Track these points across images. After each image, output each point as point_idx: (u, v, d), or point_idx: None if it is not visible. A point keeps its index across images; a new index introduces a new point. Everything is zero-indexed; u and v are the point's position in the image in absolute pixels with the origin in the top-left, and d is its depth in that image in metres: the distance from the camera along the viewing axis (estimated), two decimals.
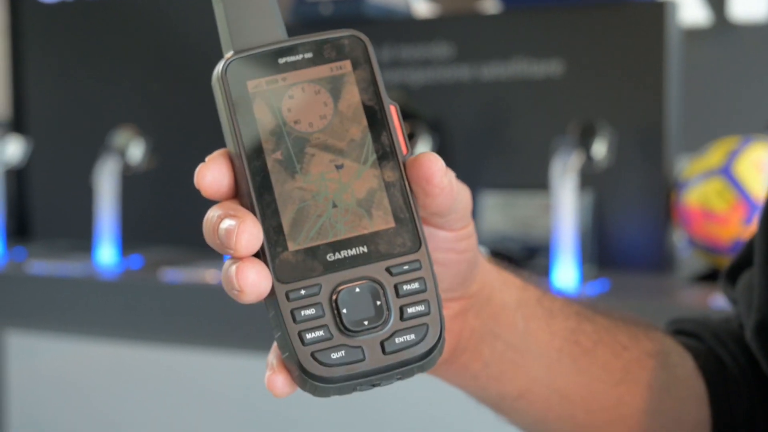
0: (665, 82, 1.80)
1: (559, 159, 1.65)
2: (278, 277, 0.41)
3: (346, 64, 0.43)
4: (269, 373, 0.42)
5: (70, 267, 1.94)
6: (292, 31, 0.42)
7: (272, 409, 1.74)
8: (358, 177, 0.42)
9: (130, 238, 2.10)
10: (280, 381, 0.41)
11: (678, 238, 1.83)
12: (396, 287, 0.41)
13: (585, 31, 1.88)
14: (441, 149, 1.96)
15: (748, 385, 0.63)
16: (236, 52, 0.42)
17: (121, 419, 1.89)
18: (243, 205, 0.42)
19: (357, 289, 0.41)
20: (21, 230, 2.45)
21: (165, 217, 2.21)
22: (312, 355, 0.40)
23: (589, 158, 1.68)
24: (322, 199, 0.41)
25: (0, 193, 2.17)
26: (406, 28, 2.08)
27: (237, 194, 0.42)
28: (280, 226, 0.41)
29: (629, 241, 1.83)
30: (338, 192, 0.42)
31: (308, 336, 0.40)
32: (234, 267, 0.40)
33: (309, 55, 0.43)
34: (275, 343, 0.42)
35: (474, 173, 1.96)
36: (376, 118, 0.42)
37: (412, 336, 0.41)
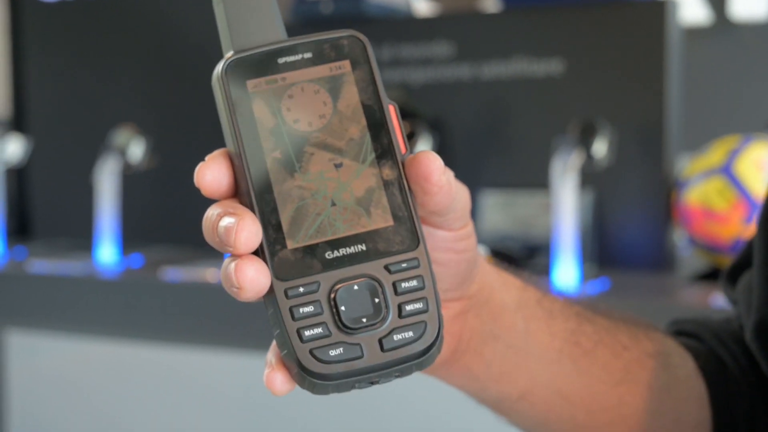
0: (666, 81, 1.80)
1: (560, 158, 1.65)
2: (277, 274, 0.41)
3: (346, 64, 0.43)
4: (268, 370, 0.42)
5: (70, 266, 1.94)
6: (292, 30, 0.42)
7: (272, 409, 1.74)
8: (357, 176, 0.42)
9: (130, 237, 2.10)
10: (278, 378, 0.42)
11: (678, 237, 1.83)
12: (394, 285, 0.41)
13: (585, 30, 1.88)
14: (441, 148, 1.96)
15: (749, 386, 0.63)
16: (236, 52, 0.43)
17: (122, 418, 1.89)
18: (242, 203, 0.42)
19: (355, 287, 0.41)
20: (21, 229, 2.45)
21: (165, 216, 2.22)
22: (310, 352, 0.40)
23: (589, 157, 1.68)
24: (321, 197, 0.42)
25: (0, 192, 2.17)
26: (406, 27, 2.08)
27: (237, 193, 0.43)
28: (279, 224, 0.41)
29: (630, 240, 1.83)
30: (337, 190, 0.42)
31: (307, 333, 0.40)
32: (233, 264, 0.40)
33: (308, 55, 0.43)
34: (274, 341, 0.42)
35: (474, 172, 1.96)
36: (375, 118, 0.43)
37: (411, 333, 0.41)
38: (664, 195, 1.80)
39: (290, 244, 0.41)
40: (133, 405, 1.87)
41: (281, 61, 0.43)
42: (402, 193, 0.42)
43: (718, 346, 0.65)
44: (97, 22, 2.39)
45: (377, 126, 0.43)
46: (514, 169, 1.93)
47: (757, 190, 1.63)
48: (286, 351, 0.41)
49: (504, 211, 1.91)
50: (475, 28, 2.00)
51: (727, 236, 1.66)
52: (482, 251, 1.74)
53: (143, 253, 2.07)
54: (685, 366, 0.63)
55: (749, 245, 0.67)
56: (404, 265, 0.42)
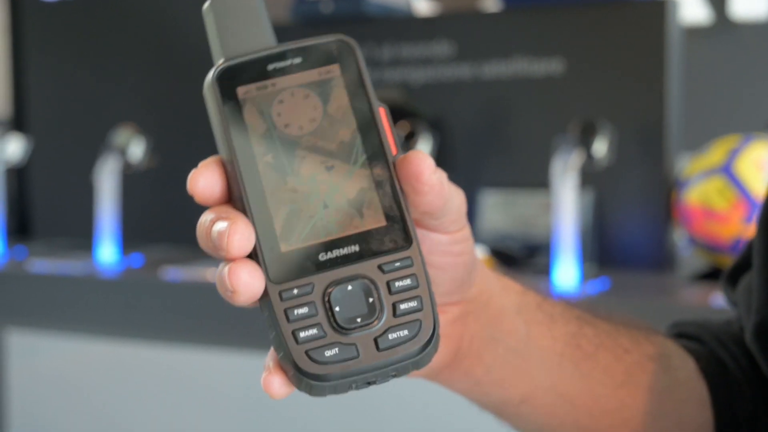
0: (666, 80, 1.80)
1: (560, 157, 1.65)
2: (271, 277, 0.41)
3: (335, 68, 0.43)
4: (265, 374, 0.42)
5: (70, 266, 1.94)
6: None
7: (272, 409, 1.74)
8: (349, 178, 0.42)
9: (130, 237, 2.10)
10: (276, 382, 0.42)
11: (678, 237, 1.83)
12: (388, 284, 0.41)
13: (586, 29, 1.88)
14: (441, 148, 1.96)
15: (750, 387, 0.63)
16: (226, 60, 0.43)
17: (122, 418, 1.89)
18: (236, 209, 0.42)
19: (349, 287, 0.41)
20: (22, 229, 2.45)
21: (165, 216, 2.22)
22: (306, 353, 0.40)
23: (589, 157, 1.68)
24: (314, 200, 0.42)
25: (1, 192, 2.17)
26: (406, 26, 2.08)
27: (230, 199, 0.43)
28: (272, 228, 0.42)
29: (630, 240, 1.83)
30: (329, 193, 0.42)
31: (302, 335, 0.40)
32: (227, 268, 0.41)
33: (298, 60, 0.43)
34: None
35: (474, 172, 1.96)
36: (365, 120, 0.43)
37: (406, 332, 0.41)
38: (664, 195, 1.80)
39: (284, 247, 0.41)
40: (133, 405, 1.87)
41: (271, 67, 0.43)
42: (394, 193, 0.43)
43: (718, 347, 0.65)
44: (97, 22, 2.39)
45: (367, 128, 0.43)
46: (514, 168, 1.93)
47: (757, 190, 1.63)
48: (282, 353, 0.41)
49: (504, 210, 1.91)
50: (475, 28, 2.00)
51: (727, 236, 1.66)
52: (482, 251, 1.74)
53: (143, 252, 2.08)
54: (686, 368, 0.63)
55: (749, 247, 0.67)
56: (397, 264, 0.42)
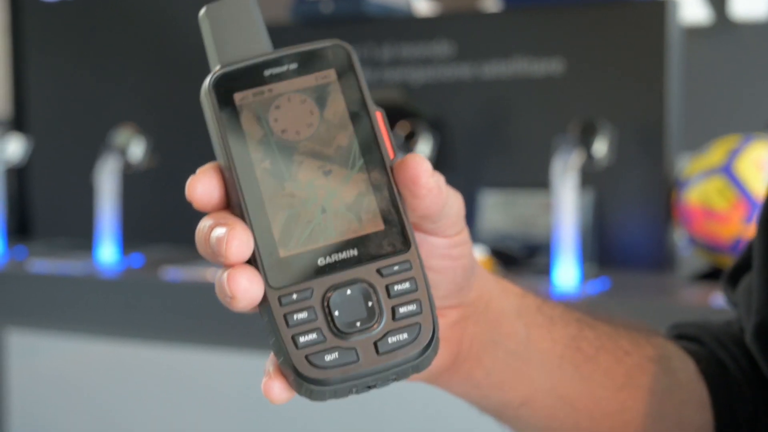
0: (666, 80, 1.80)
1: (560, 157, 1.65)
2: (270, 283, 0.41)
3: (331, 73, 0.44)
4: (266, 379, 0.42)
5: (70, 266, 1.94)
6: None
7: (272, 409, 1.74)
8: (346, 182, 0.42)
9: (130, 237, 2.10)
10: (276, 387, 0.42)
11: (679, 237, 1.83)
12: (387, 288, 0.42)
13: (586, 29, 1.88)
14: (441, 148, 1.96)
15: (751, 388, 0.63)
16: (222, 66, 0.43)
17: (122, 418, 1.89)
18: (234, 215, 0.42)
19: (348, 291, 0.41)
20: (22, 229, 2.45)
21: (165, 216, 2.22)
22: (306, 358, 0.40)
23: (589, 157, 1.68)
24: (312, 205, 0.42)
25: (1, 192, 2.17)
26: (406, 26, 2.08)
27: (228, 205, 0.43)
28: (270, 233, 0.42)
29: (630, 240, 1.83)
30: (327, 197, 0.42)
31: (302, 339, 0.40)
32: (226, 274, 0.41)
33: (294, 65, 0.43)
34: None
35: (474, 172, 1.96)
36: (361, 125, 0.43)
37: (405, 335, 0.41)
38: (664, 195, 1.80)
39: (282, 252, 0.41)
40: (133, 405, 1.87)
41: (267, 72, 0.43)
42: (391, 197, 0.43)
43: (718, 349, 0.65)
44: (97, 22, 2.39)
45: (364, 132, 0.43)
46: (515, 168, 1.93)
47: (758, 190, 1.63)
48: (282, 358, 0.41)
49: (504, 210, 1.91)
50: (475, 28, 2.00)
51: (727, 236, 1.66)
52: (482, 251, 1.74)
53: (143, 252, 2.08)
54: (686, 370, 0.63)
55: (749, 247, 0.67)
56: (396, 267, 0.42)
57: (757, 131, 1.91)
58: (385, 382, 0.42)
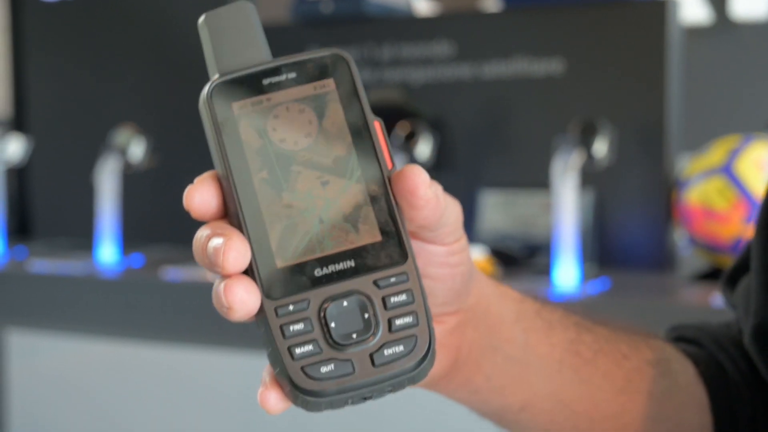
0: (666, 80, 1.80)
1: (560, 157, 1.65)
2: (267, 293, 0.41)
3: (329, 83, 0.43)
4: (262, 389, 0.42)
5: (70, 266, 1.94)
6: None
7: None
8: (344, 193, 0.42)
9: (130, 237, 2.10)
10: (272, 397, 0.42)
11: (679, 237, 1.83)
12: (384, 300, 0.41)
13: (586, 29, 1.88)
14: (441, 148, 1.96)
15: (750, 391, 0.63)
16: (221, 75, 0.43)
17: (122, 418, 1.89)
18: (232, 224, 0.42)
19: (345, 303, 0.41)
20: (22, 229, 2.45)
21: (166, 216, 2.22)
22: (302, 369, 0.40)
23: (589, 157, 1.68)
24: (309, 215, 0.42)
25: (1, 192, 2.17)
26: (406, 26, 2.08)
27: (226, 214, 0.43)
28: (268, 244, 0.41)
29: (630, 240, 1.83)
30: (325, 208, 0.42)
31: (298, 351, 0.40)
32: (222, 284, 0.41)
33: (292, 75, 0.43)
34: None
35: (475, 172, 1.96)
36: (360, 135, 0.43)
37: (401, 348, 0.41)
38: (664, 195, 1.80)
39: (279, 263, 0.41)
40: (133, 405, 1.87)
41: (266, 82, 0.43)
42: (389, 208, 0.42)
43: (717, 351, 0.65)
44: (97, 22, 2.39)
45: (363, 143, 0.43)
46: (515, 168, 1.93)
47: (758, 190, 1.63)
48: (278, 369, 0.41)
49: (504, 211, 1.91)
50: (475, 28, 2.00)
51: (727, 236, 1.66)
52: (482, 251, 1.74)
53: (144, 252, 2.08)
54: (685, 372, 0.63)
55: (748, 248, 0.67)
56: (393, 279, 0.42)
57: (757, 131, 1.91)
58: (381, 393, 0.42)
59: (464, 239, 0.48)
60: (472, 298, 0.51)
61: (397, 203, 0.43)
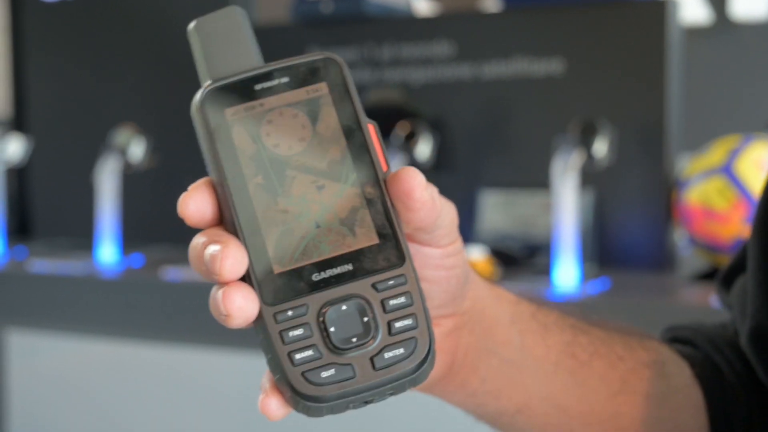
0: (666, 80, 1.80)
1: (560, 157, 1.65)
2: (265, 299, 0.41)
3: (322, 87, 0.43)
4: (262, 396, 0.42)
5: (70, 266, 1.94)
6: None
7: None
8: (340, 196, 0.42)
9: (130, 237, 2.10)
10: (273, 403, 0.42)
11: (679, 237, 1.83)
12: (382, 303, 0.41)
13: (586, 29, 1.88)
14: (441, 148, 1.96)
15: (746, 392, 0.63)
16: (213, 81, 0.43)
17: (122, 418, 1.89)
18: (228, 231, 0.42)
19: (344, 307, 0.41)
20: (22, 229, 2.45)
21: (166, 216, 2.21)
22: (302, 375, 0.40)
23: (589, 157, 1.68)
24: (305, 220, 0.42)
25: (1, 192, 2.17)
26: (406, 26, 2.08)
27: (222, 221, 0.43)
28: (264, 250, 0.41)
29: (630, 240, 1.83)
30: (321, 212, 0.42)
31: (297, 356, 0.40)
32: (220, 292, 0.40)
33: (285, 79, 0.43)
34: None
35: (475, 172, 1.96)
36: (354, 138, 0.43)
37: (401, 350, 0.41)
38: (664, 195, 1.80)
39: (277, 269, 0.41)
40: (133, 405, 1.87)
41: (258, 87, 0.43)
42: (385, 210, 0.42)
43: (713, 352, 0.64)
44: (98, 22, 2.39)
45: (357, 146, 0.43)
46: (515, 168, 1.93)
47: (758, 190, 1.63)
48: (278, 375, 0.41)
49: (504, 210, 1.91)
50: (475, 28, 2.00)
51: (727, 236, 1.66)
52: (482, 251, 1.74)
53: (144, 252, 2.08)
54: (681, 374, 0.63)
55: (744, 248, 0.66)
56: (391, 282, 0.42)
57: (757, 131, 1.91)
58: (382, 397, 0.41)
59: (459, 242, 0.48)
60: (467, 300, 0.51)
61: (393, 206, 0.42)
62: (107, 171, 2.00)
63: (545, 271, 1.66)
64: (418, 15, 2.17)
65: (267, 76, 0.43)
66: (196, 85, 0.44)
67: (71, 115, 2.41)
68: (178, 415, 1.84)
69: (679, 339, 0.67)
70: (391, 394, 0.42)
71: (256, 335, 0.42)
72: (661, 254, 1.81)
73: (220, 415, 1.80)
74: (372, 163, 0.43)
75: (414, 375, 0.41)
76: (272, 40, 2.09)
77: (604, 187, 1.83)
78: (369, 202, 0.42)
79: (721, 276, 0.69)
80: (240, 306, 0.40)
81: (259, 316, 0.41)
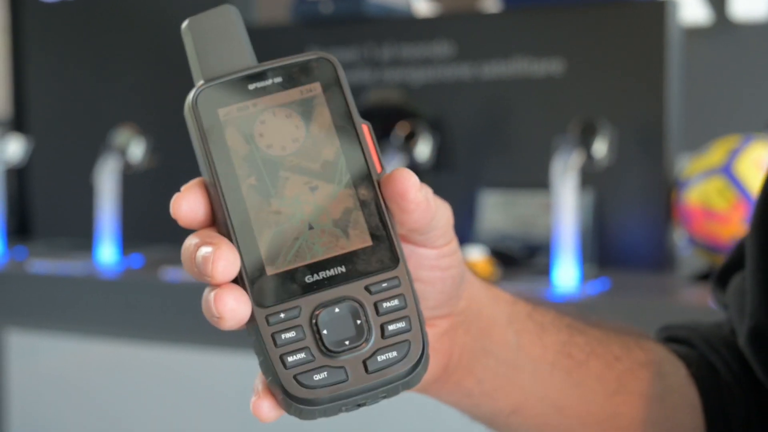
0: (666, 81, 1.80)
1: (560, 158, 1.65)
2: (257, 301, 0.40)
3: (316, 87, 0.43)
4: (255, 398, 0.42)
5: (70, 266, 1.94)
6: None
7: None
8: (333, 197, 0.42)
9: (130, 237, 2.10)
10: (265, 406, 0.41)
11: (678, 237, 1.83)
12: (376, 305, 0.41)
13: (586, 30, 1.88)
14: (441, 148, 1.96)
15: (742, 391, 0.63)
16: (206, 81, 0.43)
17: (122, 418, 1.89)
18: (220, 232, 0.42)
19: (336, 310, 0.40)
20: (22, 229, 2.45)
21: (165, 216, 2.20)
22: (295, 378, 0.40)
23: (589, 157, 1.68)
24: (298, 221, 0.41)
25: (1, 192, 2.17)
26: (406, 26, 2.08)
27: (214, 222, 0.42)
28: (257, 251, 0.41)
29: (630, 240, 1.83)
30: (314, 213, 0.42)
31: (290, 359, 0.40)
32: (212, 294, 0.40)
33: (278, 79, 0.43)
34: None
35: (474, 172, 1.96)
36: (348, 139, 0.43)
37: (395, 353, 0.40)
38: (664, 195, 1.80)
39: (269, 270, 0.41)
40: (133, 405, 1.87)
41: (251, 87, 0.42)
42: (379, 212, 0.42)
43: (709, 352, 0.64)
44: (97, 22, 2.39)
45: (351, 146, 0.42)
46: (515, 168, 1.93)
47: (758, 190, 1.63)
48: (270, 378, 0.41)
49: (504, 210, 1.91)
50: (475, 28, 2.00)
51: (727, 236, 1.66)
52: (482, 251, 1.74)
53: (143, 253, 2.07)
54: (677, 374, 0.62)
55: (739, 247, 0.66)
56: (384, 284, 0.41)
57: (757, 131, 1.91)
58: (375, 400, 0.41)
59: (455, 242, 0.47)
60: (463, 301, 0.51)
61: (387, 207, 0.42)
62: (107, 171, 2.00)
63: (545, 271, 1.66)
64: (418, 15, 2.17)
65: (260, 76, 0.43)
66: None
67: (71, 115, 2.41)
68: (177, 415, 1.84)
69: (675, 338, 0.67)
70: (384, 398, 0.41)
71: (248, 337, 0.42)
72: (660, 254, 1.81)
73: (220, 415, 1.80)
74: (366, 164, 0.42)
75: (407, 378, 0.41)
76: (272, 40, 2.09)
77: (604, 187, 1.83)
78: (363, 203, 0.42)
79: (717, 275, 0.69)
80: (232, 308, 0.40)
81: (252, 318, 0.41)
